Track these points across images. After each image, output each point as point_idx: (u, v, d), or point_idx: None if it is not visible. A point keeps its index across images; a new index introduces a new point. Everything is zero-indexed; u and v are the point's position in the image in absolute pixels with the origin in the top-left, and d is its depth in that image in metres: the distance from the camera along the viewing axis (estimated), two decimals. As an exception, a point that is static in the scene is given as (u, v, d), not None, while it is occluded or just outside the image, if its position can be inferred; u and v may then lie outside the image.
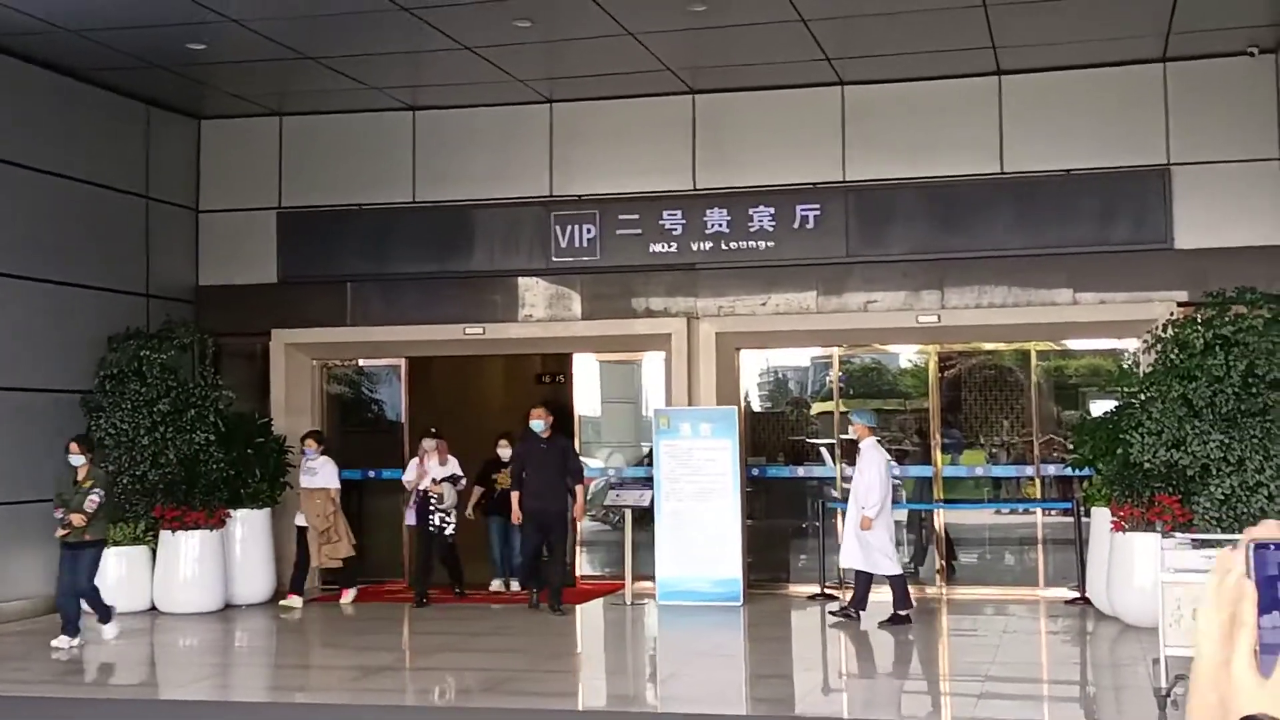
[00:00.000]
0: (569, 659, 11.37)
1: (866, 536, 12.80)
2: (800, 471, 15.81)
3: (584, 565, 16.33)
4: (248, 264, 16.11)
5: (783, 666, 11.55)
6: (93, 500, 11.80)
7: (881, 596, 12.91)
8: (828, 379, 16.06)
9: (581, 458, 15.00)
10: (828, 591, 14.50)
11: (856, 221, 14.89)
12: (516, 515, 13.88)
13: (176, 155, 16.03)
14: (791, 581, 15.50)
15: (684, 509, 14.35)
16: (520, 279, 15.73)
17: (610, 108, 15.38)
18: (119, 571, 13.88)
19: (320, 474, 14.50)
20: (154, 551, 14.10)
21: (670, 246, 15.17)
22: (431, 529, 14.49)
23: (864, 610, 12.88)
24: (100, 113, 14.90)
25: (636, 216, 15.25)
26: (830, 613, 13.35)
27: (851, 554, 13.02)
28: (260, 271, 16.11)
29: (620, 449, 17.07)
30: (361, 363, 17.00)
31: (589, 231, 15.37)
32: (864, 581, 12.96)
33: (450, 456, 14.76)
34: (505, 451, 15.06)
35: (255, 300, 16.00)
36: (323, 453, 14.62)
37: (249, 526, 14.67)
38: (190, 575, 14.12)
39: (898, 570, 12.87)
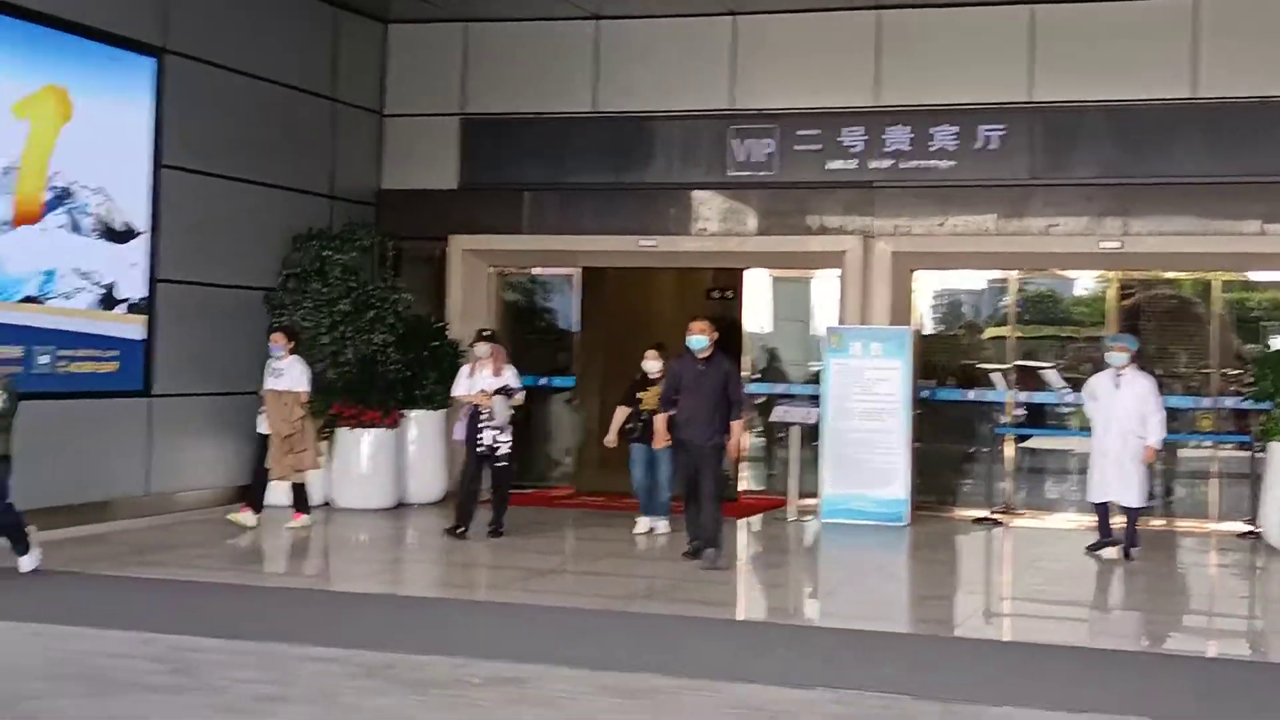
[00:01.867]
0: (729, 571, 11.45)
1: (1142, 468, 12.35)
2: (971, 396, 15.63)
3: (747, 480, 16.38)
4: (429, 169, 16.33)
5: (945, 588, 11.50)
6: None
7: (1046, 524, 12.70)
8: (1003, 303, 15.82)
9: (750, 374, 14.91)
10: (994, 517, 14.36)
11: (1041, 143, 14.61)
12: (660, 439, 11.93)
13: (363, 59, 16.26)
14: (957, 505, 15.39)
15: (851, 428, 14.30)
16: (695, 192, 15.72)
17: (793, 21, 15.23)
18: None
19: (288, 375, 12.94)
20: (331, 448, 14.47)
21: (849, 163, 15.05)
22: (480, 449, 12.76)
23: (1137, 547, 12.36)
24: (290, 15, 15.16)
25: (816, 132, 15.13)
26: (1100, 556, 12.39)
27: (1131, 487, 12.27)
28: (441, 177, 16.33)
29: (789, 366, 17.01)
30: (535, 271, 17.17)
31: (767, 146, 15.30)
32: (1134, 517, 12.38)
33: (508, 365, 12.96)
34: (652, 365, 13.15)
35: (435, 205, 16.23)
36: (292, 351, 13.03)
37: (423, 427, 14.97)
38: (365, 473, 14.49)
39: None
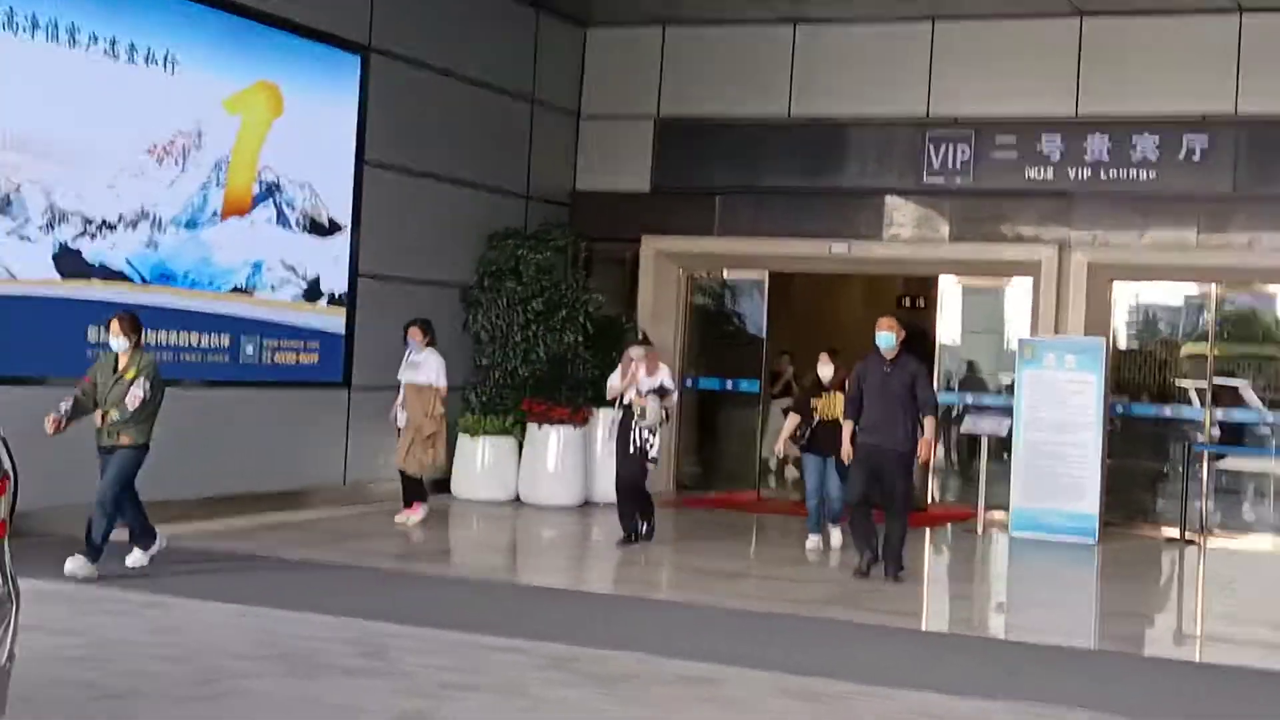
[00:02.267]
0: (915, 583, 11.36)
1: None
2: (1167, 412, 15.26)
3: (935, 491, 16.22)
4: (623, 171, 16.49)
5: (1135, 606, 11.26)
6: (136, 395, 9.38)
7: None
8: (1202, 319, 15.41)
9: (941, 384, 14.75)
10: (1188, 536, 14.00)
11: (1245, 155, 14.24)
12: (848, 452, 11.15)
13: (562, 61, 16.50)
14: (1149, 523, 15.03)
15: (1044, 440, 14.07)
16: (888, 198, 15.63)
17: (993, 28, 15.07)
18: (487, 460, 14.58)
19: (423, 368, 12.77)
20: (520, 444, 14.71)
21: (1046, 172, 14.83)
22: (633, 450, 12.13)
23: None
24: (492, 16, 15.44)
25: (1013, 139, 14.94)
26: None
27: None
28: (634, 179, 16.48)
29: (979, 377, 16.81)
30: (725, 274, 17.22)
31: (963, 153, 15.14)
32: None
33: (661, 365, 12.47)
34: (826, 371, 12.41)
35: (628, 207, 16.38)
36: (429, 344, 12.84)
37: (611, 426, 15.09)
38: (553, 469, 14.68)
39: None
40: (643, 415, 12.06)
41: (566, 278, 15.36)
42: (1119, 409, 14.92)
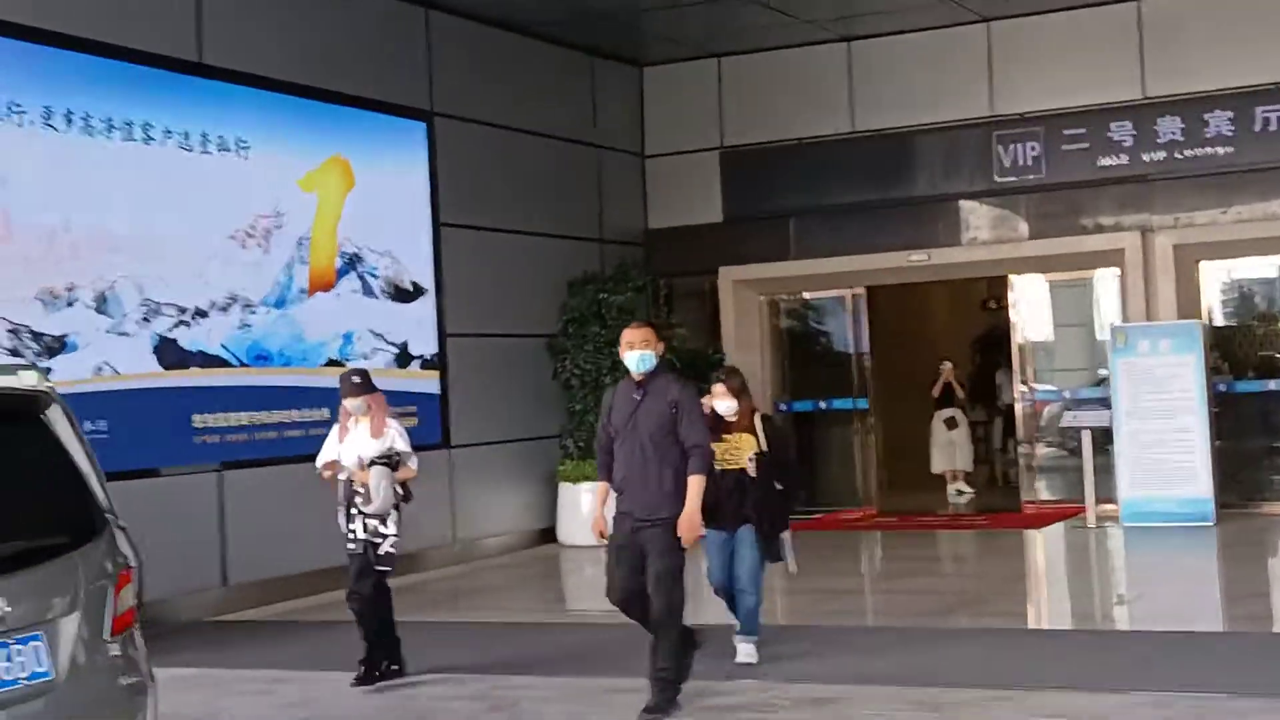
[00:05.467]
0: (1034, 580, 11.28)
1: None
2: (1271, 385, 15.03)
3: (1038, 490, 16.06)
4: (693, 205, 16.55)
5: (1261, 586, 11.09)
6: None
7: None
8: (1298, 289, 15.21)
9: (1030, 382, 14.58)
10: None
11: (1324, 119, 14.05)
12: (598, 527, 7.63)
13: (621, 103, 16.61)
14: (1267, 500, 14.79)
15: (1146, 428, 13.91)
16: (962, 202, 15.57)
17: (1049, 22, 14.99)
18: (576, 506, 14.55)
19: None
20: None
21: (1120, 159, 14.71)
22: (352, 545, 8.48)
23: None
24: (548, 68, 15.59)
25: (1083, 130, 14.84)
26: None
27: None
28: (705, 211, 16.53)
29: (1073, 372, 16.68)
30: (806, 295, 17.20)
31: (1033, 149, 15.06)
32: None
33: (391, 421, 8.59)
34: (725, 405, 8.41)
35: (702, 239, 16.43)
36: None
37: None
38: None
39: None
40: (367, 497, 8.35)
41: (649, 316, 15.42)
42: (1221, 388, 14.72)
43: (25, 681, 4.32)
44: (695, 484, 7.19)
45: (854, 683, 7.72)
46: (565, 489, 14.72)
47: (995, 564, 12.73)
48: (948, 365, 17.49)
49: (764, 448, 8.37)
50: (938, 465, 17.47)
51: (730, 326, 16.40)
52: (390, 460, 8.34)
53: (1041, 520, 14.65)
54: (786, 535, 8.51)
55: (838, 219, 15.98)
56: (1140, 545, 13.19)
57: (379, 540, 8.41)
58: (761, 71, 16.24)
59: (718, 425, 8.25)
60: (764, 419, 8.62)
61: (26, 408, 4.86)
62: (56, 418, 4.91)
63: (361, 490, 8.33)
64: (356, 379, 8.57)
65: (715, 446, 7.92)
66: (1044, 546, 13.51)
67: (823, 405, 16.67)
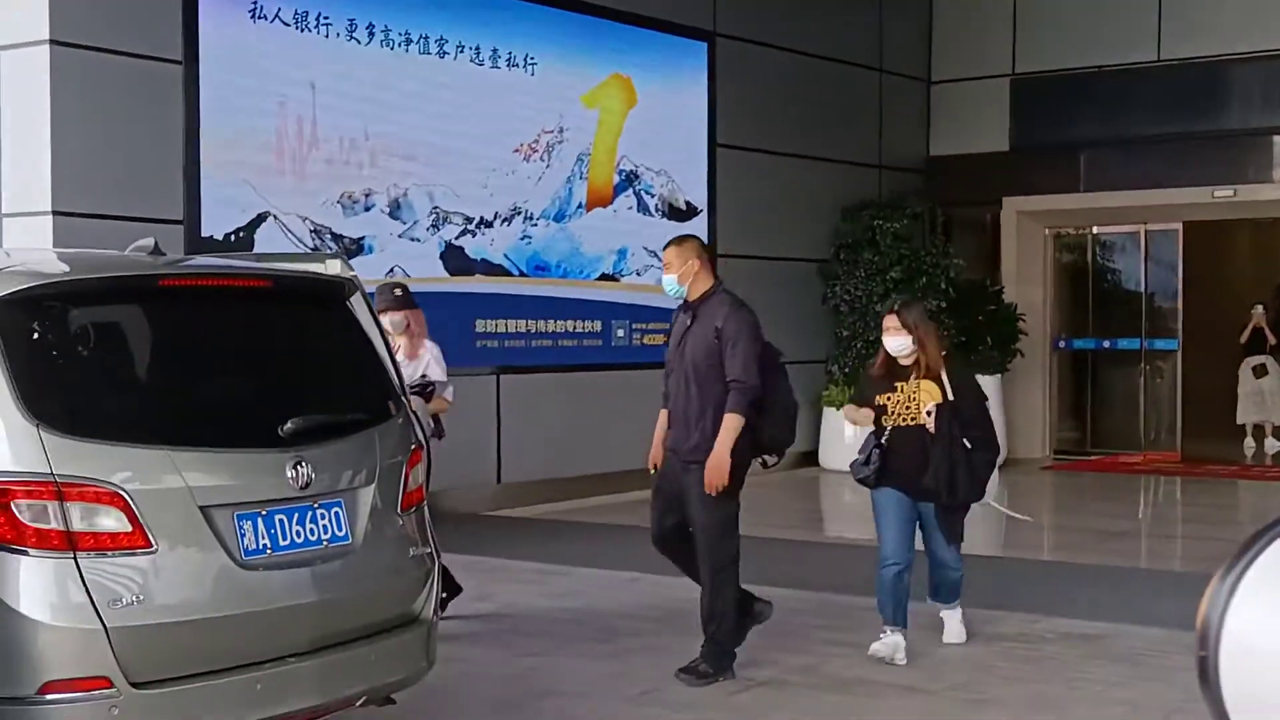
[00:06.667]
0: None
1: None
2: None
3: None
4: (979, 133, 16.18)
5: None
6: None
7: None
8: None
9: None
10: None
11: None
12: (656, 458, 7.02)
13: (908, 28, 16.32)
14: None
15: None
16: (1277, 137, 14.80)
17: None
18: (851, 431, 14.48)
19: None
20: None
21: None
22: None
23: None
24: (835, -10, 15.43)
25: None
26: None
27: None
28: (991, 140, 16.14)
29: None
30: (1095, 230, 16.68)
31: (1365, 77, 14.20)
32: None
33: (427, 343, 7.98)
34: (898, 342, 6.96)
35: (986, 169, 16.07)
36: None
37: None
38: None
39: None
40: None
41: (925, 245, 15.20)
42: None
43: (327, 543, 4.56)
44: (730, 423, 6.37)
45: (1120, 620, 7.54)
46: (829, 414, 14.68)
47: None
48: (1259, 309, 16.56)
49: (949, 396, 6.86)
50: (1244, 415, 16.48)
51: (1011, 259, 16.04)
52: (424, 389, 7.47)
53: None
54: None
55: (1134, 152, 15.38)
56: None
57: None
58: (1061, -5, 15.72)
59: (890, 372, 6.96)
60: (949, 361, 7.10)
61: (334, 293, 5.10)
62: (359, 305, 5.14)
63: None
64: (399, 291, 7.83)
65: (885, 400, 6.90)
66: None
67: (1106, 344, 16.20)
